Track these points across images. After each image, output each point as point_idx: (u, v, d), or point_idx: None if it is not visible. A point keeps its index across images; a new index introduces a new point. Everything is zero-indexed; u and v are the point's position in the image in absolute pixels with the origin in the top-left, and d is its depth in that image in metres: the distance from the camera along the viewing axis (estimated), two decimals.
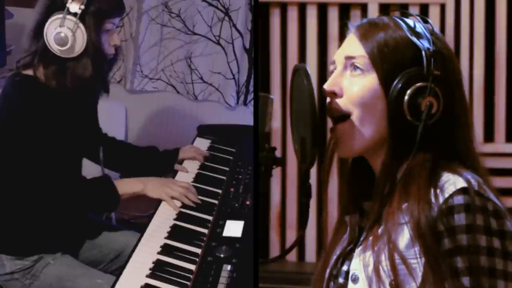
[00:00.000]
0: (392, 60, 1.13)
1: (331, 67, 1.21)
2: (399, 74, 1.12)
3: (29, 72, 1.92)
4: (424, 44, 1.13)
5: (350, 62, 1.17)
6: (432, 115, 1.10)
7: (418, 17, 1.19)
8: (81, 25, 1.85)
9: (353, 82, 1.16)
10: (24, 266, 1.98)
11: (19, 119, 1.88)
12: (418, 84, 1.10)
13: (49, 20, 1.85)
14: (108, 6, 1.90)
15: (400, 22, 1.17)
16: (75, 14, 1.84)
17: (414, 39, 1.13)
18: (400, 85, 1.11)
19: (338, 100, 1.17)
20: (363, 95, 1.14)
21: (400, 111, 1.11)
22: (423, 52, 1.12)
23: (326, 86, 1.18)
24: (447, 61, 1.14)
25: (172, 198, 2.03)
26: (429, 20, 1.19)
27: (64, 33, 1.83)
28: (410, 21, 1.18)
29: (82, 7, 1.84)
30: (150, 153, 2.41)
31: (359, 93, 1.14)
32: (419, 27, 1.16)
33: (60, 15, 1.84)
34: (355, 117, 1.15)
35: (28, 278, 1.98)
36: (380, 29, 1.16)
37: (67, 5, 1.84)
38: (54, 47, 1.86)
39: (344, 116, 1.16)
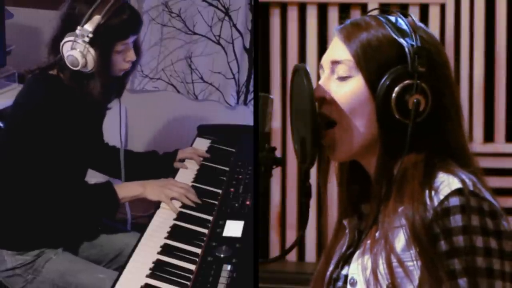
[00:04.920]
0: (377, 60, 1.12)
1: (320, 72, 1.21)
2: (384, 74, 1.10)
3: (53, 72, 1.96)
4: (407, 41, 1.11)
5: (335, 67, 1.16)
6: (421, 112, 1.09)
7: (399, 13, 1.17)
8: (91, 49, 1.86)
9: (340, 86, 1.15)
10: (26, 261, 1.98)
11: (41, 115, 1.91)
12: (404, 82, 1.09)
13: (62, 41, 1.88)
14: (119, 29, 1.91)
15: (383, 20, 1.15)
16: (84, 40, 1.86)
17: (397, 37, 1.12)
18: (386, 85, 1.10)
19: (327, 106, 1.15)
20: (350, 100, 1.13)
21: (388, 111, 1.10)
22: (407, 50, 1.10)
23: (315, 92, 1.16)
24: (433, 56, 1.12)
25: (172, 199, 2.03)
26: (411, 15, 1.17)
27: (74, 56, 1.86)
28: (392, 18, 1.16)
29: (91, 35, 1.85)
30: (151, 158, 2.42)
31: (346, 98, 1.13)
32: (402, 24, 1.15)
33: (72, 37, 1.86)
34: (344, 123, 1.14)
35: (30, 274, 1.99)
36: (362, 29, 1.15)
37: (77, 31, 1.85)
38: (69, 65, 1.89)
39: (331, 123, 1.15)
